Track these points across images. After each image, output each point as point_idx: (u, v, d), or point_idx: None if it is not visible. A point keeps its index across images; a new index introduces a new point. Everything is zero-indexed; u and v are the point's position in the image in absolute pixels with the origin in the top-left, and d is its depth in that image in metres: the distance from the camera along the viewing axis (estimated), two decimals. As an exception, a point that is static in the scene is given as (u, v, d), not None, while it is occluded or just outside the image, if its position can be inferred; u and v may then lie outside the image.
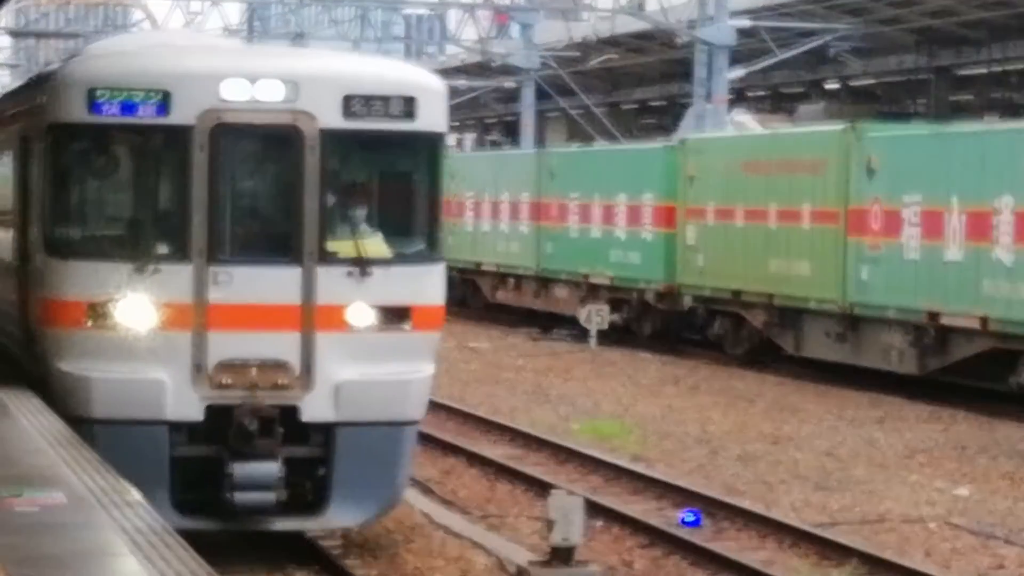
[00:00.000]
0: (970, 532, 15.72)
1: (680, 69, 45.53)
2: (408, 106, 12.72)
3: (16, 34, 78.54)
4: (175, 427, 12.19)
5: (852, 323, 28.60)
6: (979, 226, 25.13)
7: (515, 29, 63.33)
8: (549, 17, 57.63)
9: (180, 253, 12.38)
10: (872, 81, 44.32)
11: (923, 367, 26.88)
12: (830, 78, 45.59)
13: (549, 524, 12.61)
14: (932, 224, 26.21)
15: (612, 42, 50.08)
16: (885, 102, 43.82)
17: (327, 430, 12.47)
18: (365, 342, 12.62)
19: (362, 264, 12.54)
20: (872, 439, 22.50)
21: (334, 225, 12.83)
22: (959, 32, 38.75)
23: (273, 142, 13.00)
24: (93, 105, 12.24)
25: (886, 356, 27.79)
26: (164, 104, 12.20)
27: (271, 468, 12.05)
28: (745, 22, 39.82)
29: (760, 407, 26.47)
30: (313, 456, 12.68)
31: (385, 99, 12.68)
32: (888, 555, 14.16)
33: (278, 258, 12.60)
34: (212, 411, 12.20)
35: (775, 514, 16.31)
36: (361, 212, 13.28)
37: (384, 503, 13.03)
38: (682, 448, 21.48)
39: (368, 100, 12.61)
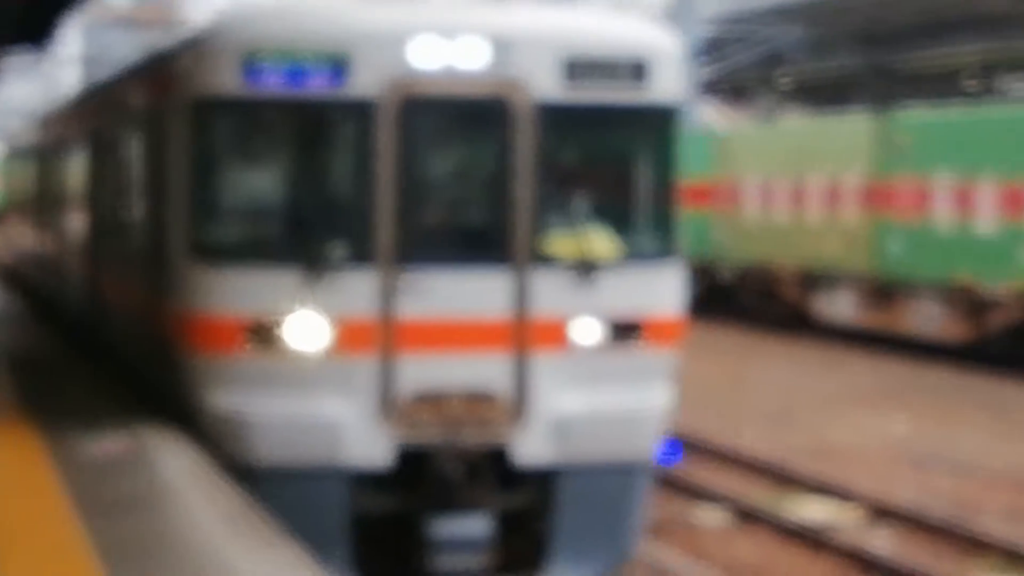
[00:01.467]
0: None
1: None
2: (640, 72, 10.16)
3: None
4: (358, 477, 9.67)
5: None
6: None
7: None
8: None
9: (362, 255, 9.68)
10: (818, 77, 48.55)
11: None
12: (783, 75, 49.84)
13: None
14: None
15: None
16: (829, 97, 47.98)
17: (545, 476, 10.02)
18: (590, 364, 10.05)
19: (587, 266, 9.95)
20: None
21: (551, 219, 10.12)
22: (889, 33, 42.98)
23: (476, 118, 10.31)
24: (251, 73, 9.56)
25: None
26: (341, 71, 9.59)
27: (479, 525, 9.74)
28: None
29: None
30: (528, 507, 10.23)
31: (613, 64, 10.12)
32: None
33: (483, 260, 9.91)
34: (404, 455, 9.68)
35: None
36: (584, 203, 10.52)
37: (613, 560, 10.50)
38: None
39: (593, 65, 10.01)
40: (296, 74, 9.55)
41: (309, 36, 9.77)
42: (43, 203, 24.42)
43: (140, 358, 13.38)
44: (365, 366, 9.60)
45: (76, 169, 19.23)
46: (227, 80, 9.63)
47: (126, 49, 40.05)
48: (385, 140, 9.66)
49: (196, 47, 10.41)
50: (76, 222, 19.03)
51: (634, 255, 10.28)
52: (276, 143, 10.61)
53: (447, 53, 9.75)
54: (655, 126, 10.62)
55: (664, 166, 10.74)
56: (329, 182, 10.71)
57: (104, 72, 27.04)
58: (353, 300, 9.57)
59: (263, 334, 9.51)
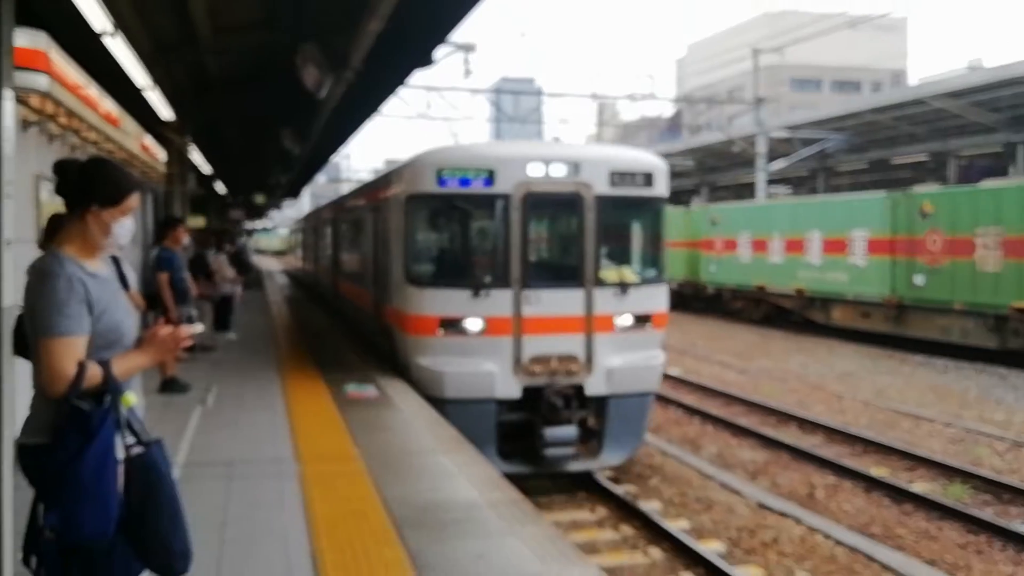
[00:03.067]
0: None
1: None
2: (648, 179, 16.25)
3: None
4: (500, 402, 15.38)
5: None
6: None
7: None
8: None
9: (503, 281, 15.50)
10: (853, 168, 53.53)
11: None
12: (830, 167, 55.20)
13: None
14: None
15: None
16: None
17: (601, 400, 15.90)
18: (625, 338, 15.98)
19: (624, 286, 15.94)
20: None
21: (603, 260, 16.04)
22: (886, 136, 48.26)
23: (563, 204, 16.08)
24: (440, 180, 15.39)
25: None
26: (490, 179, 15.45)
27: (572, 431, 15.51)
28: (784, 133, 51.01)
29: None
30: (591, 417, 16.19)
31: (634, 174, 16.15)
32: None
33: (569, 283, 15.79)
34: (526, 391, 15.44)
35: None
36: (620, 250, 16.83)
37: (637, 446, 16.59)
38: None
39: (624, 175, 16.08)
40: (465, 180, 15.44)
41: (473, 160, 15.65)
42: (305, 248, 52.46)
43: (358, 321, 23.88)
44: (505, 342, 15.38)
45: (322, 232, 37.32)
46: (428, 183, 15.53)
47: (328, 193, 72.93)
48: (515, 216, 15.54)
49: (411, 166, 16.23)
50: (324, 257, 36.54)
51: (646, 279, 16.44)
52: (453, 219, 16.55)
53: (547, 169, 15.74)
54: (655, 208, 16.71)
55: (659, 230, 16.96)
56: (483, 240, 16.56)
57: (319, 203, 65.35)
58: (498, 306, 15.41)
59: (449, 325, 15.37)
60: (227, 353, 20.10)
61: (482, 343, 15.40)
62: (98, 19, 11.26)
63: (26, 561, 4.78)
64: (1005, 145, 40.75)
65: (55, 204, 5.17)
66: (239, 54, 18.30)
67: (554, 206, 16.54)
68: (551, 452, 15.43)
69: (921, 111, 41.37)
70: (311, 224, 46.98)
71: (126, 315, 5.01)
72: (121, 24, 12.16)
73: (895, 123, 44.12)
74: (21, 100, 11.56)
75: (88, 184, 4.96)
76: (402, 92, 28.91)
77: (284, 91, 18.94)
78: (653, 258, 17.08)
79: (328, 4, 15.07)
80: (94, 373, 4.69)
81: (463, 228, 16.73)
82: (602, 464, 16.19)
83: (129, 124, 18.77)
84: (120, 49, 13.17)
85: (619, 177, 16.06)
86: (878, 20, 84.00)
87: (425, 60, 18.52)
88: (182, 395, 14.90)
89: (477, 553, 7.95)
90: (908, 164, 47.85)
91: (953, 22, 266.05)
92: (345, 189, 59.17)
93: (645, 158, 16.67)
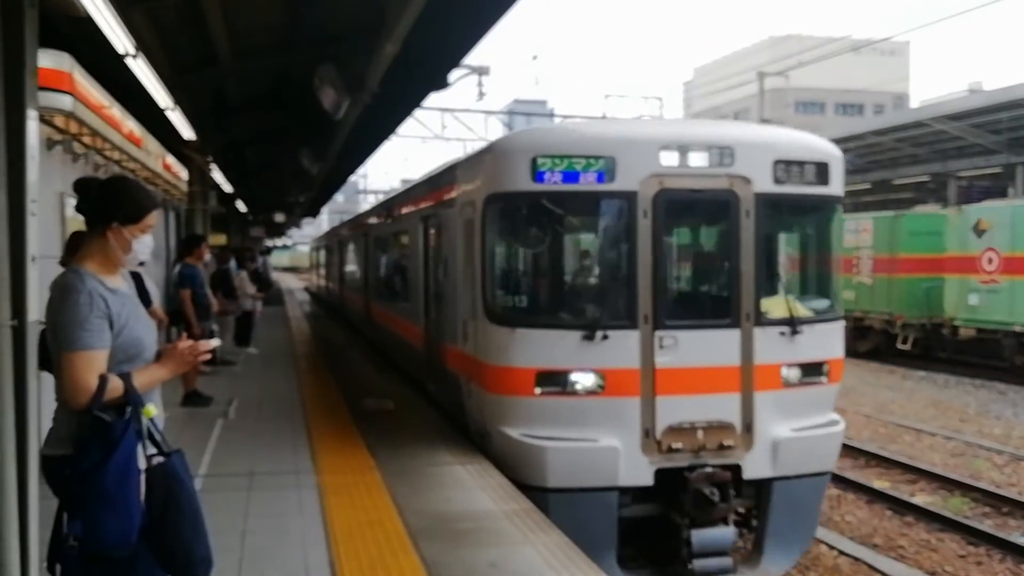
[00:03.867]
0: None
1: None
2: (822, 171, 11.66)
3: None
4: (625, 491, 10.90)
5: None
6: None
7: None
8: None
9: (627, 319, 10.91)
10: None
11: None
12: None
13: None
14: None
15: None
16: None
17: (761, 484, 11.34)
18: (793, 397, 11.39)
19: (794, 323, 11.26)
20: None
21: (764, 286, 11.41)
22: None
23: (710, 207, 11.49)
24: (536, 174, 10.81)
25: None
26: (607, 171, 10.86)
27: (729, 534, 11.19)
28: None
29: None
30: (749, 509, 11.73)
31: (804, 165, 11.54)
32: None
33: (718, 321, 11.13)
34: (660, 474, 10.89)
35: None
36: (787, 273, 12.36)
37: (805, 546, 12.02)
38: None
39: (792, 165, 11.45)
40: (571, 174, 10.87)
41: (583, 144, 11.05)
42: (329, 267, 44.15)
43: (399, 356, 19.39)
44: (631, 406, 10.85)
45: (351, 248, 31.96)
46: (517, 179, 10.99)
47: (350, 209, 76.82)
48: (643, 225, 10.93)
49: (491, 154, 11.74)
50: (352, 277, 31.43)
51: (820, 313, 11.75)
52: (554, 230, 11.52)
53: (688, 156, 11.06)
54: (829, 213, 12.09)
55: (834, 246, 12.44)
56: (598, 260, 12.18)
57: (337, 222, 63.20)
58: (621, 355, 10.82)
59: (552, 382, 10.78)
60: (248, 367, 20.09)
61: (598, 407, 10.83)
62: (120, 41, 11.27)
63: (51, 569, 4.78)
64: (1005, 166, 40.74)
65: (79, 221, 5.17)
66: (258, 76, 18.37)
67: (700, 209, 11.89)
68: (702, 566, 10.97)
69: (922, 133, 41.38)
70: (337, 239, 39.96)
71: (146, 330, 5.01)
72: (142, 46, 12.19)
73: (897, 145, 44.15)
74: (46, 120, 11.59)
75: (108, 202, 4.97)
76: (418, 113, 29.07)
77: (302, 112, 18.99)
78: (826, 283, 12.42)
79: (345, 27, 15.11)
80: (115, 386, 4.68)
81: (568, 242, 12.21)
82: (764, 575, 11.56)
83: (151, 144, 18.81)
84: (142, 70, 13.19)
85: (786, 169, 11.47)
86: (880, 44, 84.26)
87: (440, 82, 18.57)
88: (204, 408, 14.90)
89: (491, 562, 7.92)
90: (910, 184, 47.85)
91: (954, 46, 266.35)
92: (364, 207, 58.58)
93: (817, 143, 11.99)
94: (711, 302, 11.81)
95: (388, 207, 22.55)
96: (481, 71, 30.45)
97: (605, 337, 10.78)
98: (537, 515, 9.33)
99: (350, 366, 20.56)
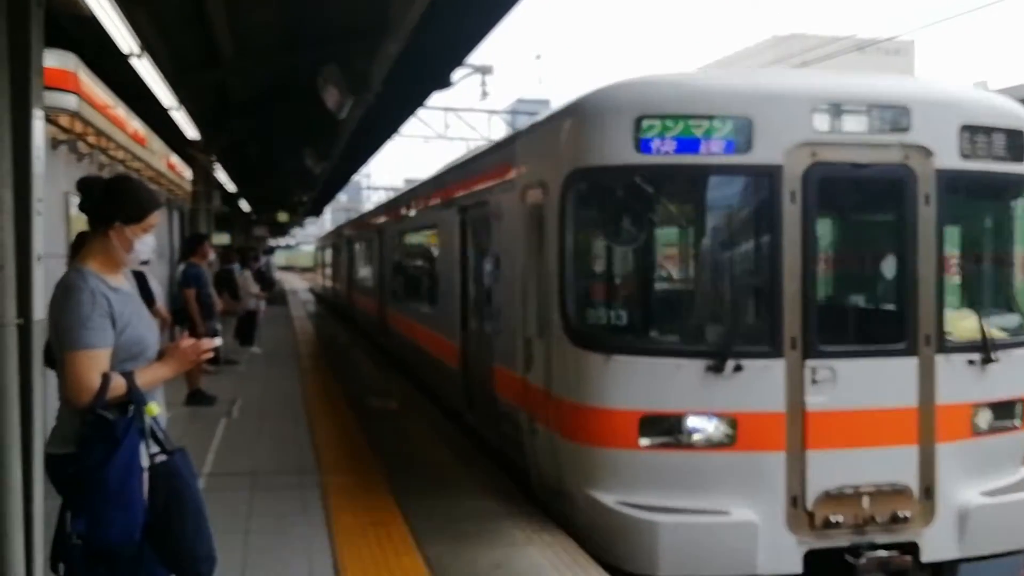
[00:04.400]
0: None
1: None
2: (1015, 143, 8.65)
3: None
4: None
5: None
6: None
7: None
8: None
9: (768, 343, 8.07)
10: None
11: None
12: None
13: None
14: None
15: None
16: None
17: (942, 568, 8.42)
18: (983, 449, 8.52)
19: (987, 348, 8.37)
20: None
21: (948, 298, 8.54)
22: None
23: (877, 188, 8.55)
24: (642, 142, 7.97)
25: None
26: (739, 137, 8.05)
27: None
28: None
29: None
30: None
31: (994, 133, 8.57)
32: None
33: (889, 345, 8.24)
34: (813, 557, 8.05)
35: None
36: (978, 279, 9.43)
37: None
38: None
39: (982, 133, 8.49)
40: (689, 141, 7.99)
41: (709, 100, 8.16)
42: (337, 265, 40.82)
43: (424, 373, 16.85)
44: (773, 464, 7.99)
45: (363, 247, 29.20)
46: (615, 148, 8.10)
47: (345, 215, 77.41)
48: (790, 212, 8.11)
49: (575, 116, 8.74)
50: (364, 278, 28.74)
51: (1011, 332, 8.84)
52: (666, 218, 9.01)
53: (851, 119, 8.25)
54: (1021, 198, 9.18)
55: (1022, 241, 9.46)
56: (727, 260, 8.76)
57: (339, 222, 65.87)
58: (759, 393, 7.98)
59: (662, 430, 8.00)
60: (251, 367, 20.10)
61: (727, 466, 8.02)
62: (125, 41, 11.29)
63: (54, 567, 4.79)
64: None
65: (84, 221, 5.19)
66: (261, 75, 18.39)
67: (865, 190, 8.69)
68: None
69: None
70: (347, 236, 35.73)
71: (148, 328, 5.02)
72: (147, 46, 12.21)
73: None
74: (51, 119, 11.61)
75: (111, 201, 4.98)
76: (421, 113, 29.08)
77: (306, 112, 19.00)
78: (1015, 293, 9.39)
79: (349, 27, 15.12)
80: (118, 384, 4.69)
81: (685, 237, 9.45)
82: None
83: (156, 143, 18.85)
84: (146, 70, 13.21)
85: (973, 138, 8.46)
86: (885, 44, 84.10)
87: (443, 81, 18.58)
88: (208, 407, 14.91)
89: (495, 563, 7.89)
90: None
91: (959, 45, 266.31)
92: (368, 206, 57.97)
93: (1009, 107, 8.95)
94: (878, 319, 8.96)
95: (411, 199, 19.39)
96: (484, 70, 30.41)
97: (738, 368, 7.94)
98: (541, 515, 9.23)
99: (353, 364, 20.57)
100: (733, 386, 7.91)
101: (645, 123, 7.92)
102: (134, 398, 4.71)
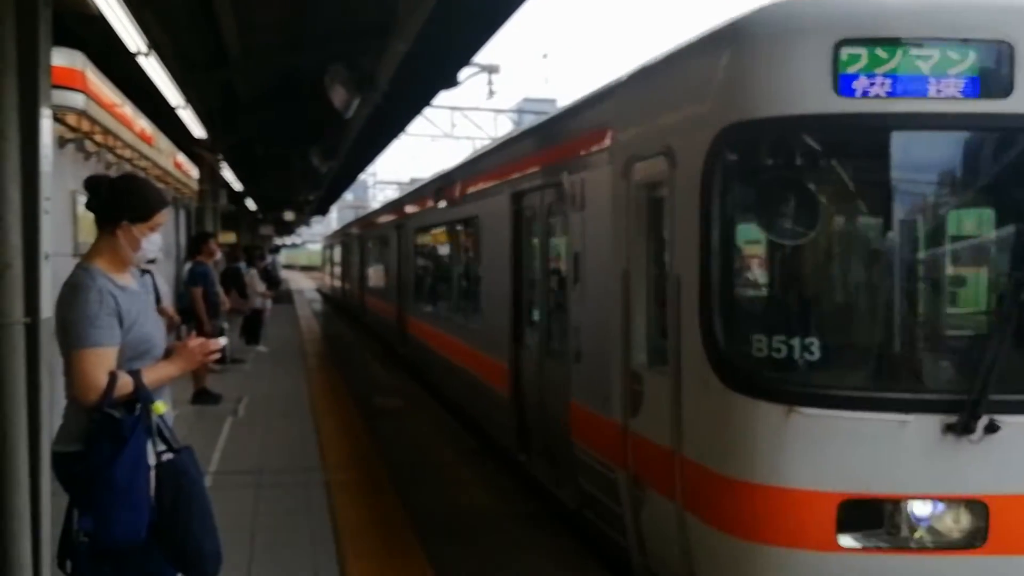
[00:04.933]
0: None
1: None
2: None
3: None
4: None
5: None
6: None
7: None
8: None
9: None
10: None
11: None
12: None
13: None
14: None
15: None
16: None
17: None
18: None
19: None
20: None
21: None
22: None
23: None
24: (841, 80, 5.40)
25: None
26: (989, 74, 5.43)
27: None
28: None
29: None
30: None
31: None
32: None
33: None
34: None
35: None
36: None
37: None
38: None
39: None
40: (915, 79, 5.41)
41: (952, 17, 5.51)
42: (346, 265, 39.45)
43: (461, 398, 14.25)
44: None
45: (379, 244, 26.97)
46: (801, 90, 5.51)
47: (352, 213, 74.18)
48: None
49: (732, 43, 5.97)
50: (378, 281, 26.84)
51: None
52: (870, 198, 5.93)
53: None
54: None
55: None
56: (973, 261, 6.22)
57: (345, 220, 66.67)
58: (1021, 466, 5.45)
59: (872, 519, 5.50)
60: (257, 365, 20.11)
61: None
62: (132, 39, 11.31)
63: (61, 564, 4.81)
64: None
65: (91, 219, 5.21)
66: (268, 74, 18.40)
67: None
68: None
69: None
70: (359, 234, 32.69)
71: (155, 327, 5.04)
72: (154, 45, 12.23)
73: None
74: (58, 118, 11.63)
75: (118, 200, 4.99)
76: (427, 111, 29.04)
77: (313, 111, 19.01)
78: None
79: (356, 26, 15.13)
80: (125, 383, 4.71)
81: (915, 227, 5.88)
82: None
83: (163, 142, 18.86)
84: (153, 69, 13.22)
85: None
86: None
87: (450, 81, 18.57)
88: (214, 406, 14.93)
89: (499, 563, 7.93)
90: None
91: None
92: (375, 205, 57.62)
93: None
94: None
95: (440, 188, 16.49)
96: (491, 69, 30.37)
97: (992, 428, 5.36)
98: (546, 516, 9.28)
99: (359, 363, 20.59)
100: (984, 455, 5.38)
101: (846, 52, 5.41)
102: (141, 396, 4.73)
